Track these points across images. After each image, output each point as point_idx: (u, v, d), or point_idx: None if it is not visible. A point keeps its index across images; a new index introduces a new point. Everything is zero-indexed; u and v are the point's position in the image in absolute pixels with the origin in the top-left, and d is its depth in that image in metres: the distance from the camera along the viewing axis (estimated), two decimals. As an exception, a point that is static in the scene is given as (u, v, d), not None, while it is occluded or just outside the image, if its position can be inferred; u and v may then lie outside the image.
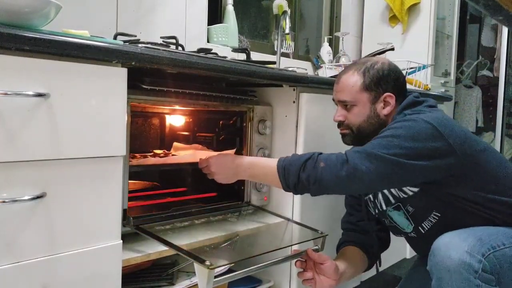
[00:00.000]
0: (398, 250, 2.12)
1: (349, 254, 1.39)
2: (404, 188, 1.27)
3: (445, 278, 1.12)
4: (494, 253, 1.13)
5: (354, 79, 1.29)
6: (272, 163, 1.19)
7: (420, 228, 1.30)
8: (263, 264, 1.17)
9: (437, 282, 1.14)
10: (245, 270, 1.12)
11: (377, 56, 1.40)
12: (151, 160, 1.23)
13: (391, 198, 1.32)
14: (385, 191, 1.33)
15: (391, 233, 1.47)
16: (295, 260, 1.28)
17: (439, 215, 1.25)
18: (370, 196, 1.40)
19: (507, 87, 3.54)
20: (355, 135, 1.31)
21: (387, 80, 1.28)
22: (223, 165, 1.24)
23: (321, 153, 1.17)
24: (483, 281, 1.10)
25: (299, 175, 1.14)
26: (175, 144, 1.32)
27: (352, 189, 1.22)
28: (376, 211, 1.39)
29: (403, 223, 1.33)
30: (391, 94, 1.28)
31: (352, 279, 1.42)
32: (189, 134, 1.35)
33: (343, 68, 2.42)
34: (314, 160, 1.15)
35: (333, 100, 1.35)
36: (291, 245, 1.34)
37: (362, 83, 1.28)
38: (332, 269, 1.26)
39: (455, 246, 1.13)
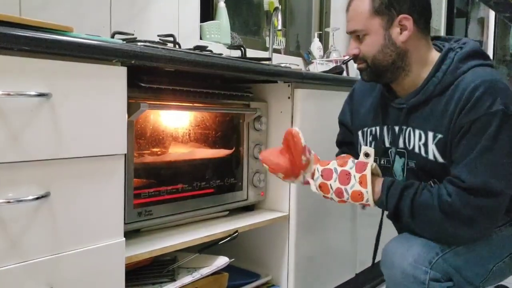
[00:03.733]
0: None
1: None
2: (430, 150, 1.14)
3: None
4: (443, 256, 1.09)
5: (362, 4, 1.13)
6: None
7: None
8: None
9: None
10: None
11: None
12: (154, 158, 1.24)
13: (401, 142, 1.20)
14: (398, 132, 1.20)
15: None
16: None
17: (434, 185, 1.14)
18: (373, 128, 1.28)
19: (493, 80, 3.59)
20: (371, 69, 1.17)
21: (400, 0, 1.12)
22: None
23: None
24: None
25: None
26: (173, 142, 1.33)
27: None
28: (375, 146, 1.26)
29: (398, 170, 1.23)
30: (407, 16, 1.12)
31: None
32: (186, 132, 1.36)
33: (334, 64, 2.45)
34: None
35: (347, 34, 1.21)
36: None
37: (371, 8, 1.12)
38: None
39: (399, 258, 1.09)
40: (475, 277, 1.14)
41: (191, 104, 1.32)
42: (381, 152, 1.25)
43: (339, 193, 1.13)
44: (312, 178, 1.16)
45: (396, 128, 1.21)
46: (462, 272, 1.11)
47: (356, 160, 1.15)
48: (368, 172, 1.11)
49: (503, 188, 1.05)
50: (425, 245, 1.10)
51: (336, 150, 1.47)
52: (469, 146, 1.06)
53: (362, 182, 1.11)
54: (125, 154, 1.03)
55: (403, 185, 1.11)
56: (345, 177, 1.12)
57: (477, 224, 1.06)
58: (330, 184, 1.14)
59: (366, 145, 1.30)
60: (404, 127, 1.19)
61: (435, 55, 1.17)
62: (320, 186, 1.16)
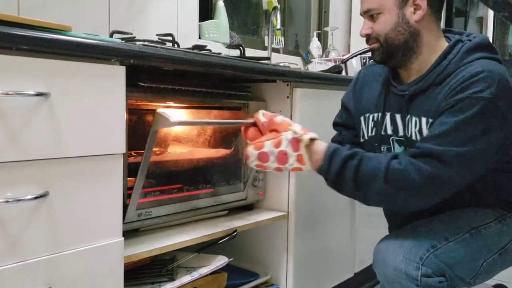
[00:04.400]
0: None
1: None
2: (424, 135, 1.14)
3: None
4: (434, 252, 1.09)
5: None
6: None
7: None
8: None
9: None
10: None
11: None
12: (153, 158, 1.23)
13: (401, 130, 1.21)
14: (399, 119, 1.21)
15: None
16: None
17: None
18: (375, 115, 1.27)
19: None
20: (383, 48, 1.17)
21: None
22: None
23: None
24: (427, 287, 1.06)
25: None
26: (172, 142, 1.33)
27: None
28: (376, 132, 1.26)
29: None
30: None
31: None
32: (185, 131, 1.36)
33: (333, 63, 2.45)
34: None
35: (361, 15, 1.23)
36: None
37: None
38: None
39: (391, 255, 1.09)
40: (466, 273, 1.14)
41: (197, 104, 1.31)
42: (382, 140, 1.24)
43: (278, 169, 1.14)
44: (247, 160, 1.16)
45: (398, 116, 1.21)
46: (454, 268, 1.11)
47: (290, 137, 1.12)
48: (303, 151, 1.11)
49: (458, 168, 1.04)
50: (416, 242, 1.10)
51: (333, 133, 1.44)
52: (443, 122, 1.06)
53: (299, 160, 1.11)
54: (124, 154, 1.03)
55: (346, 155, 1.09)
56: (283, 157, 1.11)
57: (425, 193, 1.06)
58: (268, 165, 1.13)
59: (368, 131, 1.29)
60: (406, 115, 1.19)
61: (444, 45, 1.18)
62: (257, 166, 1.15)
